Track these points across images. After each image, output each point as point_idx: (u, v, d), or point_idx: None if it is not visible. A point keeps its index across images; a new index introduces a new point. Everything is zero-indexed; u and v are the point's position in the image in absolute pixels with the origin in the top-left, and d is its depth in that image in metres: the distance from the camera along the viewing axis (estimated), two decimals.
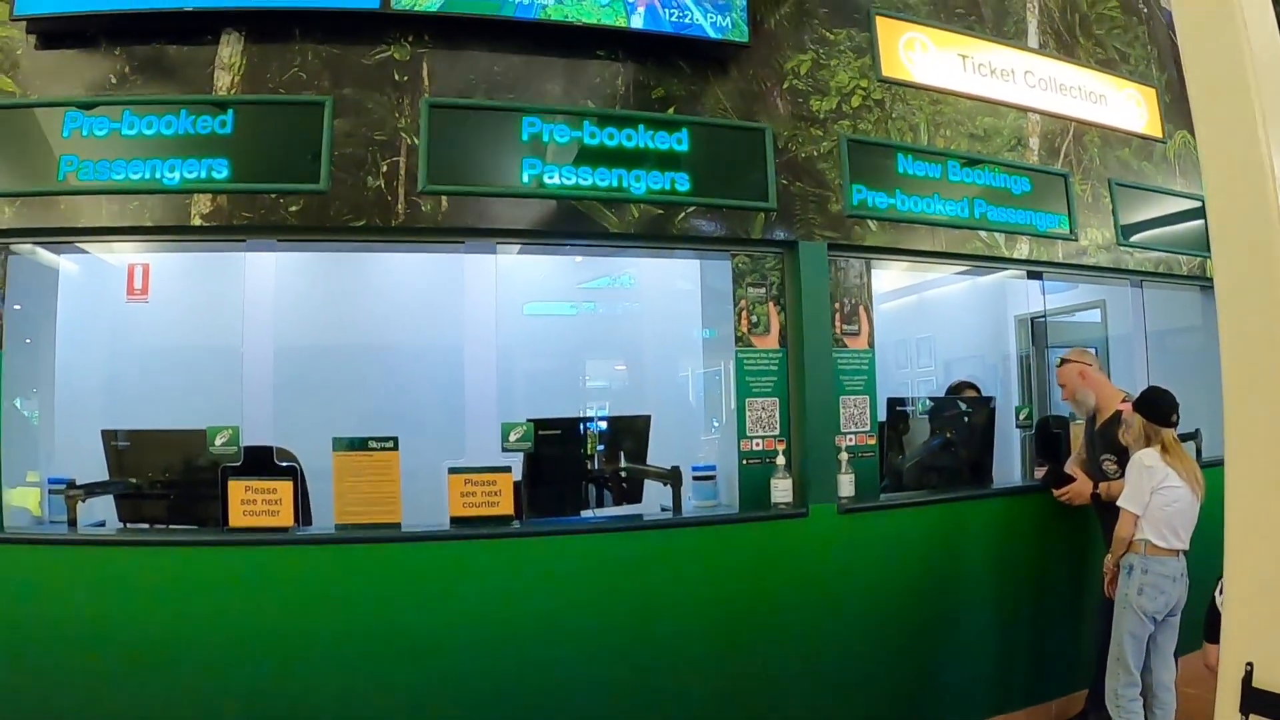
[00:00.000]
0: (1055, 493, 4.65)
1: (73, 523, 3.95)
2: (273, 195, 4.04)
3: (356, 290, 5.50)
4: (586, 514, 4.36)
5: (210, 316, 5.24)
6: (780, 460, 4.31)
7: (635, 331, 6.19)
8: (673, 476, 4.26)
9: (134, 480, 4.20)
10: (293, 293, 4.86)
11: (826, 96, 4.81)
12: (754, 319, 4.54)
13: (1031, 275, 5.48)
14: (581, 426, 4.59)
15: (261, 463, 4.11)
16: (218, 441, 4.09)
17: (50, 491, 4.15)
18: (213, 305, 5.23)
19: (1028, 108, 5.36)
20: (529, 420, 4.18)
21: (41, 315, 4.36)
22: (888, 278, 6.26)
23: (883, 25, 5.03)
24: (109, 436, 4.31)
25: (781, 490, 4.26)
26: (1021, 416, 5.35)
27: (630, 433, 4.48)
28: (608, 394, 6.20)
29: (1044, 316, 5.98)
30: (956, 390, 5.74)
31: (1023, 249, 5.15)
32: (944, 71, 5.10)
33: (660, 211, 4.36)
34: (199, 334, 5.27)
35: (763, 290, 4.58)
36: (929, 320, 7.11)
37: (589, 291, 6.42)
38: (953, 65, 5.15)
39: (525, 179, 4.19)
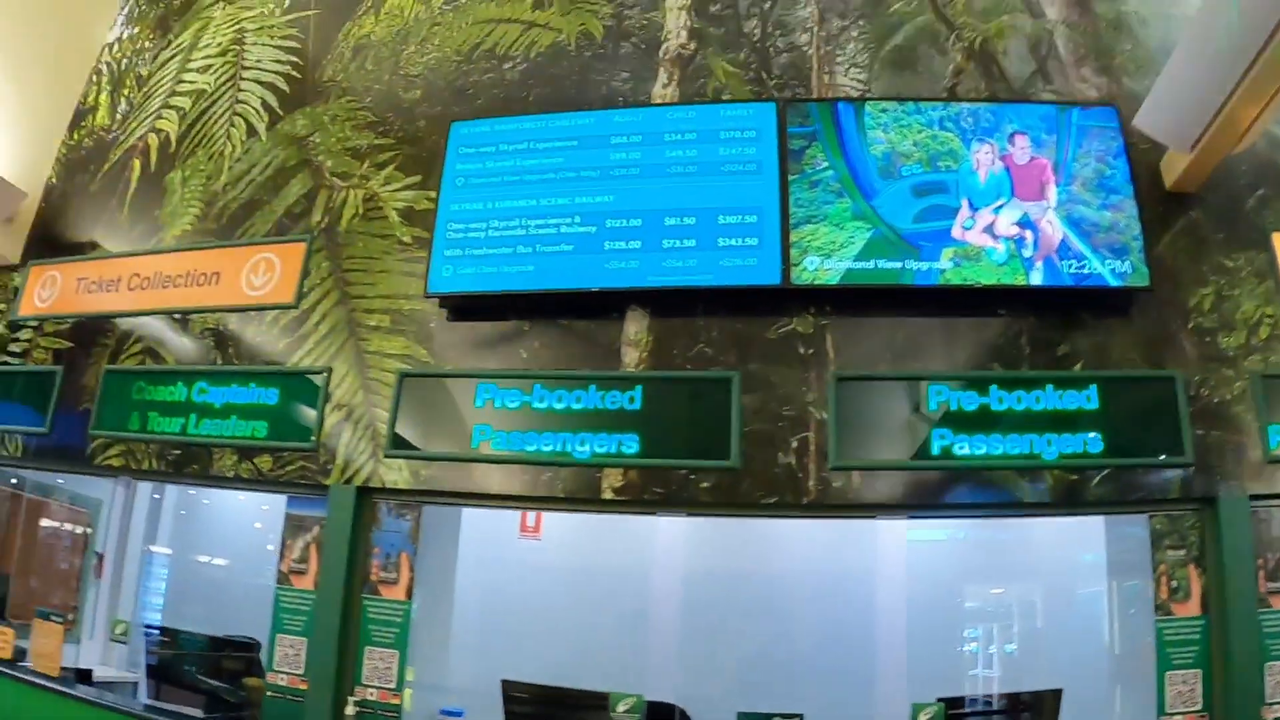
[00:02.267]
0: None
1: None
2: (684, 472, 4.07)
3: (763, 554, 5.50)
4: None
5: (605, 563, 5.36)
6: None
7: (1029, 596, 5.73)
8: None
9: None
10: (704, 558, 4.92)
11: (1234, 331, 4.49)
12: (1174, 584, 4.23)
13: None
14: (985, 702, 4.37)
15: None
16: (620, 709, 4.11)
17: None
18: (610, 554, 5.35)
19: None
20: (939, 700, 4.01)
21: (444, 558, 4.57)
22: None
23: None
24: (509, 688, 4.40)
25: None
26: None
27: (1042, 710, 4.23)
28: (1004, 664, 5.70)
29: None
30: None
31: None
32: None
33: (1075, 478, 4.13)
34: (592, 581, 5.39)
35: (1183, 552, 4.26)
36: None
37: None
38: None
39: (935, 449, 4.08)
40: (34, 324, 5.70)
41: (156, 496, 6.05)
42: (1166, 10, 4.90)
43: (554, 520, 5.57)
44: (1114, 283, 4.30)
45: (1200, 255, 4.54)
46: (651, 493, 4.07)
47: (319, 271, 4.92)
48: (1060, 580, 5.39)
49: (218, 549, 6.48)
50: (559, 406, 4.25)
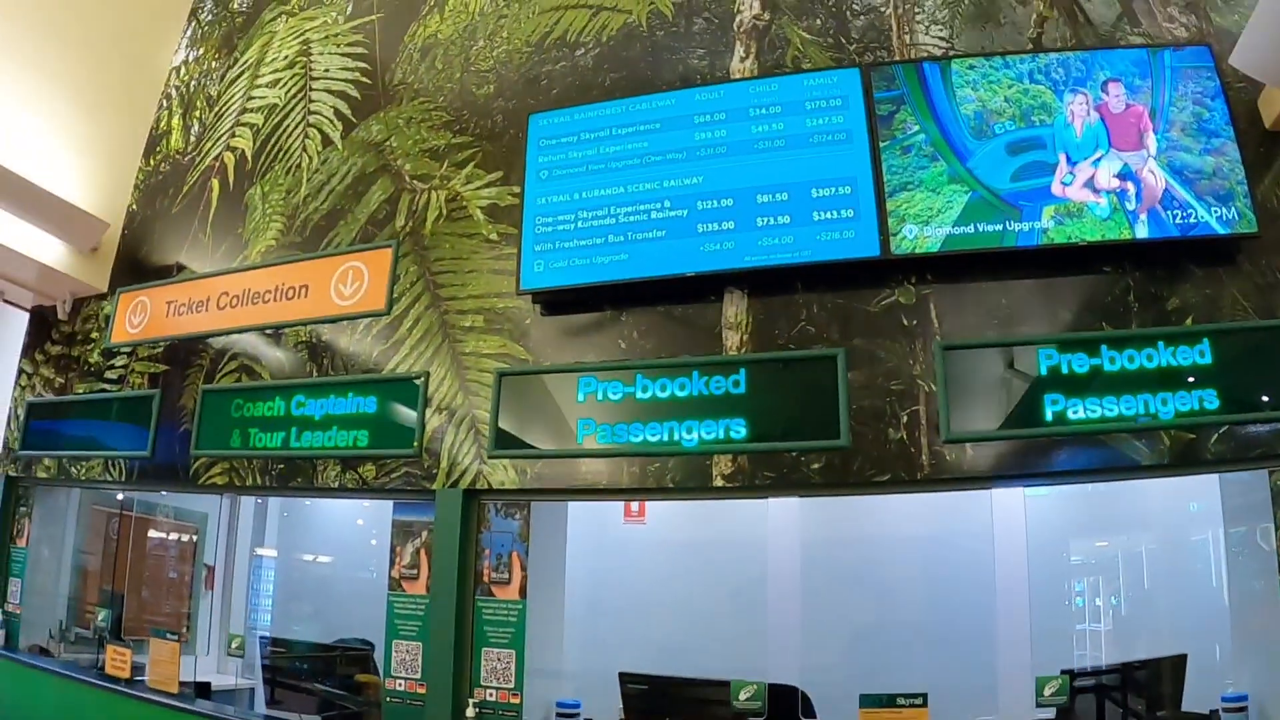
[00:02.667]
0: None
1: None
2: (793, 454, 4.03)
3: (878, 521, 5.45)
4: None
5: (713, 542, 5.35)
6: None
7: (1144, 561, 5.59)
8: None
9: None
10: (818, 534, 4.89)
11: None
12: None
13: None
14: (1115, 677, 4.27)
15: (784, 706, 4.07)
16: (741, 696, 4.10)
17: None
18: (717, 534, 5.34)
19: None
20: (1064, 672, 3.93)
21: (553, 551, 4.62)
22: None
23: None
24: (627, 679, 4.41)
25: None
26: None
27: (1165, 678, 4.13)
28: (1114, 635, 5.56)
29: None
30: None
31: None
32: None
33: (1192, 436, 4.01)
34: (701, 563, 5.39)
35: None
36: None
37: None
38: None
39: (1048, 415, 3.98)
40: (128, 350, 5.82)
41: (260, 501, 6.18)
42: None
43: (658, 504, 5.57)
44: (1221, 230, 4.15)
45: None
46: (763, 477, 4.04)
47: (408, 276, 4.95)
48: (1176, 534, 5.27)
49: (322, 548, 6.60)
50: (663, 395, 4.23)
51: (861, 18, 4.74)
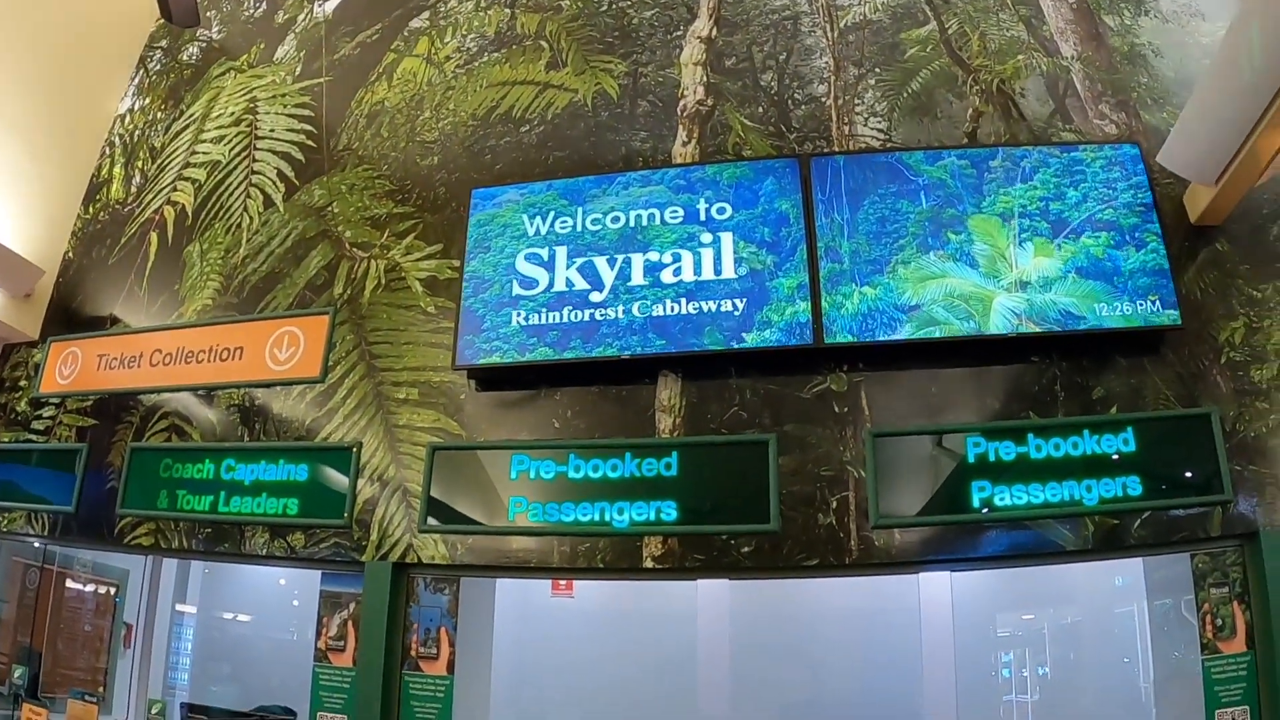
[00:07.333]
0: None
1: None
2: (724, 536, 4.05)
3: (807, 601, 5.45)
4: None
5: (641, 616, 5.32)
6: None
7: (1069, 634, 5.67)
8: None
9: None
10: (747, 610, 4.89)
11: (1266, 363, 4.47)
12: (1219, 622, 4.20)
13: None
14: None
15: None
16: None
17: None
18: (645, 608, 5.32)
19: None
20: None
21: (481, 626, 4.59)
22: None
23: None
24: None
25: None
26: None
27: None
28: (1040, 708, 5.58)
29: None
30: None
31: None
32: None
33: (1116, 521, 4.11)
34: (631, 640, 5.35)
35: (1225, 589, 4.23)
36: None
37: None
38: None
39: (975, 501, 4.05)
40: (56, 400, 5.69)
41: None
42: (1180, 40, 4.90)
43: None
44: (1145, 322, 4.28)
45: (1228, 288, 4.53)
46: (692, 559, 4.06)
47: (344, 344, 4.91)
48: (1102, 607, 5.36)
49: (244, 606, 6.47)
50: (595, 475, 4.24)
51: (802, 107, 4.85)
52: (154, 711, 5.12)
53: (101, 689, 5.88)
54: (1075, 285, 4.22)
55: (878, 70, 4.91)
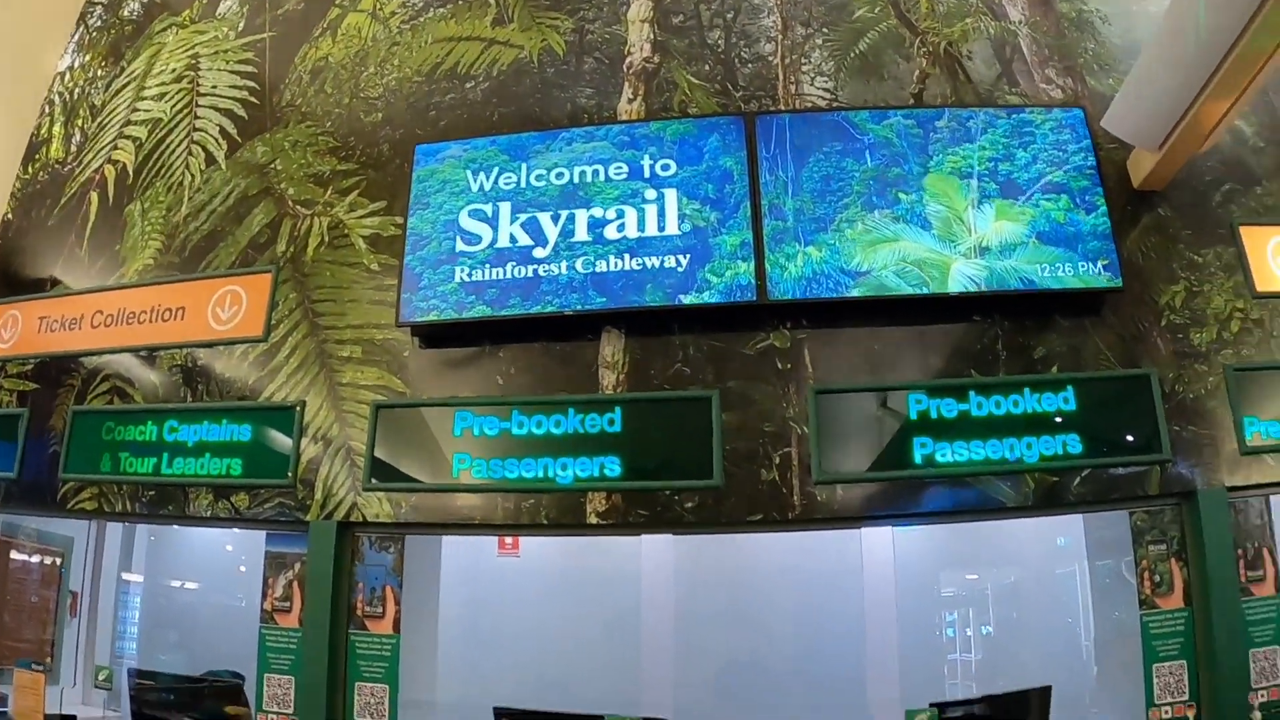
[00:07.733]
0: None
1: None
2: (667, 493, 4.05)
3: (751, 556, 5.46)
4: None
5: (587, 575, 5.32)
6: None
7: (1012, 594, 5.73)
8: None
9: None
10: (691, 567, 4.89)
11: (1205, 326, 4.53)
12: (1156, 579, 4.27)
13: None
14: (977, 704, 4.39)
15: None
16: None
17: None
18: (591, 566, 5.31)
19: None
20: (932, 705, 4.02)
21: (427, 584, 4.58)
22: None
23: (1248, 236, 4.70)
24: (501, 714, 4.37)
25: None
26: None
27: (1033, 709, 4.25)
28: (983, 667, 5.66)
29: None
30: None
31: None
32: None
33: (1056, 479, 4.16)
34: (575, 595, 5.35)
35: (1163, 547, 4.30)
36: None
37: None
38: None
39: (918, 458, 4.08)
40: None
41: (128, 524, 5.95)
42: (1127, 7, 4.93)
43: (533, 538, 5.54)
44: (1086, 284, 4.31)
45: (1169, 252, 4.59)
46: (636, 515, 4.05)
47: (287, 303, 4.84)
48: (1044, 567, 5.44)
49: (190, 573, 6.40)
50: (538, 432, 4.22)
51: (749, 65, 4.82)
52: (101, 678, 5.04)
53: (49, 659, 5.78)
54: (1037, 251, 4.23)
55: (825, 30, 4.89)
